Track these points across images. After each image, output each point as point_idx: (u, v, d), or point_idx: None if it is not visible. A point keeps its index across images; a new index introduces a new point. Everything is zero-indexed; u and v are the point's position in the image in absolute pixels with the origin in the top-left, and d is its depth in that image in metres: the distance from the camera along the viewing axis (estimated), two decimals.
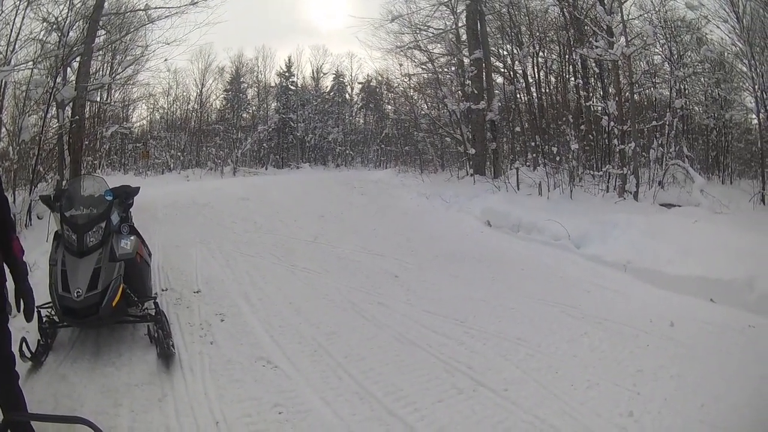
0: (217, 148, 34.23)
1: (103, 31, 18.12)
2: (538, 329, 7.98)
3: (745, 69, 19.03)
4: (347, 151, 39.11)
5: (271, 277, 10.03)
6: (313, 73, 41.34)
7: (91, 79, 18.05)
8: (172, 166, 32.49)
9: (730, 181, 20.70)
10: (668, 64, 19.93)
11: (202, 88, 35.94)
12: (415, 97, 29.49)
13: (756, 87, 18.15)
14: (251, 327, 7.64)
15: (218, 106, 38.16)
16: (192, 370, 6.30)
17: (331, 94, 41.51)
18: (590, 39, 18.76)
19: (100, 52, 19.80)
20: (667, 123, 17.91)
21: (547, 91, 23.72)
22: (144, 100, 31.29)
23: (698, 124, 22.31)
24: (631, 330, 8.05)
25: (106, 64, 23.02)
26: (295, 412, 5.47)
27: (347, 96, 42.21)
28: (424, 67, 27.43)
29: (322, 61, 41.96)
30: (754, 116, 20.08)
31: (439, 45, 26.97)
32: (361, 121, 42.35)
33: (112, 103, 26.96)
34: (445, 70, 27.12)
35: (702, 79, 21.63)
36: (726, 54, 20.38)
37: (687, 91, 21.61)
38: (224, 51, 59.80)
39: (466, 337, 7.58)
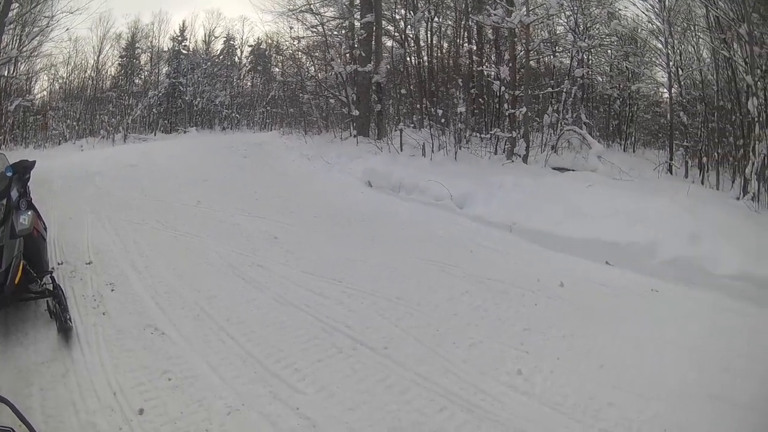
0: (110, 115, 33.61)
1: (17, 4, 18.10)
2: (416, 288, 8.46)
3: (660, 46, 20.09)
4: (234, 114, 38.82)
5: (155, 244, 10.30)
6: (205, 36, 41.10)
7: (0, 54, 18.04)
8: (68, 136, 31.78)
9: (633, 150, 21.69)
10: (572, 34, 20.58)
11: (99, 55, 35.29)
12: (303, 60, 29.98)
13: (671, 63, 19.42)
14: (138, 295, 7.89)
15: (113, 73, 37.43)
16: (88, 342, 6.52)
17: (221, 57, 41.49)
18: (488, 7, 19.25)
19: (11, 25, 19.72)
20: (565, 90, 18.77)
21: (439, 55, 24.21)
22: (46, 71, 30.87)
23: (600, 93, 23.03)
24: (516, 289, 8.58)
25: (15, 38, 22.88)
26: (183, 378, 5.79)
27: (236, 59, 42.26)
28: (314, 30, 27.71)
29: (215, 24, 41.75)
30: (664, 90, 21.07)
31: (331, 8, 27.21)
32: (249, 83, 42.34)
33: (17, 76, 26.71)
34: (335, 33, 27.50)
35: (609, 51, 22.37)
36: (640, 30, 21.12)
37: (591, 62, 22.35)
38: (123, 17, 59.13)
39: (343, 296, 8.01)
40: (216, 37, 41.13)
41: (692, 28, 19.30)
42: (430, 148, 18.55)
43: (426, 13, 22.63)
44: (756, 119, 14.34)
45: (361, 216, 13.22)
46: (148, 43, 38.21)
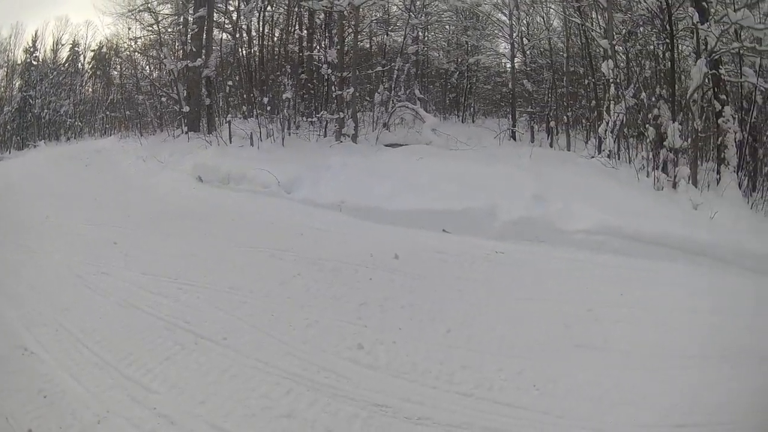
0: None
1: None
2: (248, 276, 8.59)
3: (504, 18, 20.83)
4: (77, 123, 38.50)
5: (14, 265, 10.07)
6: (53, 45, 40.20)
7: None
8: None
9: (473, 120, 22.67)
10: (407, 13, 21.01)
11: None
12: (139, 60, 30.18)
13: (514, 35, 20.74)
14: (7, 317, 7.80)
15: None
16: None
17: (66, 65, 40.79)
18: None
19: None
20: (397, 68, 19.15)
21: (270, 44, 24.28)
22: None
23: (437, 68, 23.89)
24: (349, 266, 8.81)
25: None
26: (55, 394, 5.73)
27: (80, 65, 41.68)
28: (150, 29, 27.68)
29: (63, 31, 41.08)
30: (507, 60, 21.81)
31: (168, 5, 27.22)
32: (90, 89, 41.81)
33: None
34: (169, 30, 27.51)
35: (447, 26, 23.13)
36: (483, 5, 21.98)
37: (426, 38, 23.17)
38: None
39: (180, 293, 8.08)
40: (63, 45, 40.61)
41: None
42: (258, 137, 18.65)
43: (259, 2, 22.60)
44: (612, 80, 15.01)
45: (193, 211, 13.45)
46: (5, 58, 37.68)
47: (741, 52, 13.85)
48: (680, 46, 15.83)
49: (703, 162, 14.55)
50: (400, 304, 7.34)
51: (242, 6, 23.59)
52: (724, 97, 13.58)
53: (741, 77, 13.95)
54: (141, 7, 26.69)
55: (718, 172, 13.41)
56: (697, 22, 12.66)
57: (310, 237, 10.69)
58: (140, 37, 28.53)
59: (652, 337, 6.56)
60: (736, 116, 14.01)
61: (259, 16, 23.32)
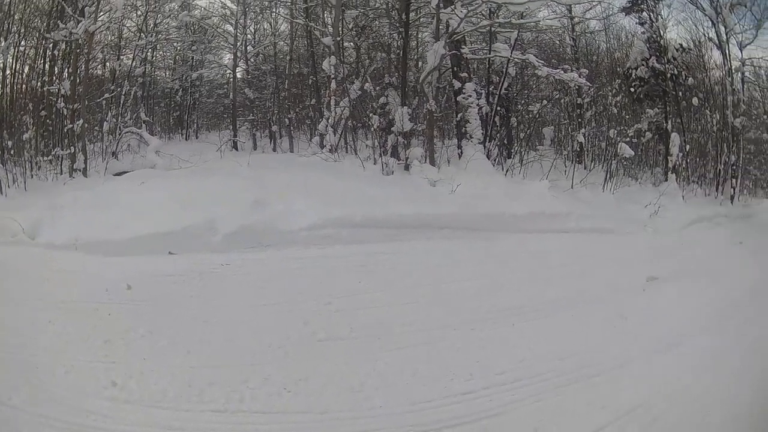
0: None
1: None
2: (6, 330, 7.40)
3: (230, 28, 21.46)
4: None
5: None
6: None
7: None
8: None
9: (196, 137, 22.94)
10: (138, 34, 21.16)
11: None
12: None
13: (238, 44, 21.00)
14: None
15: None
16: None
17: None
18: (59, 21, 18.71)
19: None
20: (123, 92, 19.45)
21: (19, 81, 21.38)
22: None
23: (162, 88, 23.50)
24: (88, 305, 8.14)
25: None
26: None
27: None
28: None
29: None
30: (229, 71, 22.39)
31: None
32: None
33: None
34: None
35: (175, 44, 23.04)
36: (212, 18, 22.13)
37: (155, 58, 23.08)
38: None
39: None
40: None
41: (274, 4, 21.28)
42: (6, 184, 16.09)
43: (14, 37, 20.57)
44: (333, 76, 15.98)
45: None
46: None
47: (493, 29, 15.72)
48: (420, 34, 17.89)
49: (445, 140, 16.34)
50: (140, 334, 7.15)
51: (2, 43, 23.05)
52: (465, 74, 14.94)
53: (491, 53, 15.76)
54: None
55: (460, 147, 14.83)
56: (439, 7, 13.79)
57: (53, 281, 9.52)
58: None
59: (404, 317, 7.17)
60: (483, 91, 15.84)
61: (14, 51, 21.37)
